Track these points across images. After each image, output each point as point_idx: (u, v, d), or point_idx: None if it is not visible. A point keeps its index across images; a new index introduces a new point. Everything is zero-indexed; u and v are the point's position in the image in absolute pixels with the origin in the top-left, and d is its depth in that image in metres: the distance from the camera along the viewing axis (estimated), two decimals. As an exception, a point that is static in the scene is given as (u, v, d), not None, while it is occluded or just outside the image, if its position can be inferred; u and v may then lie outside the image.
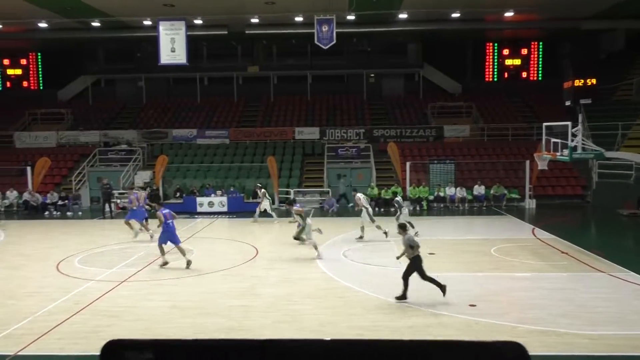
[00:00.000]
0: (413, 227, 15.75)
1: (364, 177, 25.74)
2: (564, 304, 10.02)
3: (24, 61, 34.62)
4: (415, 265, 10.00)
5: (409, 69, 33.20)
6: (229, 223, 20.86)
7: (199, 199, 23.19)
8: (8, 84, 34.81)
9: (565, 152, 16.29)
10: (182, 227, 19.27)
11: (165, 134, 29.22)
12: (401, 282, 10.30)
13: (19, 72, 34.77)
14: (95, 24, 26.09)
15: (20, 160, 27.50)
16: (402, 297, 10.16)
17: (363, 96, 33.00)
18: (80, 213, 23.58)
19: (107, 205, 22.38)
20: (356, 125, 29.82)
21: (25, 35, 28.61)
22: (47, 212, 23.28)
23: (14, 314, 9.85)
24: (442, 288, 10.08)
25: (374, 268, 13.04)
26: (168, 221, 13.44)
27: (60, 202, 23.49)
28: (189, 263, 13.11)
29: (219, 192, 23.64)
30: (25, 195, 23.99)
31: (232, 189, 24.01)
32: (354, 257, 14.22)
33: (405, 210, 17.15)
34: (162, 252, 13.42)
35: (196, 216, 22.09)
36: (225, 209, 22.89)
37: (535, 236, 16.96)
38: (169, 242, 13.42)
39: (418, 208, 23.36)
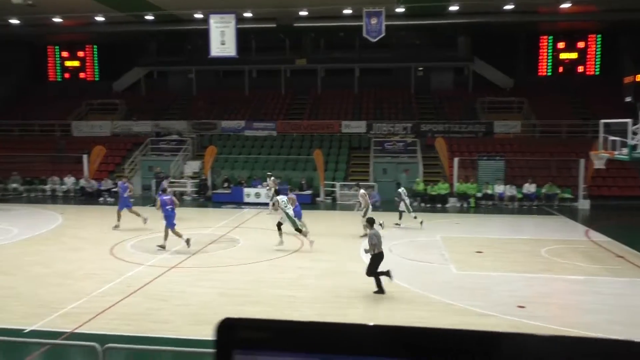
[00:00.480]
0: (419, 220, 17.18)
1: (410, 172, 25.43)
2: (619, 310, 9.58)
3: (81, 53, 35.97)
4: (378, 261, 10.18)
5: (458, 62, 32.48)
6: (275, 214, 21.03)
7: (246, 190, 23.53)
8: (67, 75, 36.27)
9: (625, 150, 15.54)
10: (229, 216, 19.64)
11: (214, 125, 29.77)
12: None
13: (76, 64, 36.19)
14: (149, 17, 26.78)
15: (77, 148, 28.62)
16: (380, 291, 10.23)
17: (411, 90, 32.55)
18: (132, 200, 24.29)
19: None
20: (403, 119, 29.45)
21: (83, 28, 29.71)
22: (101, 198, 24.17)
23: (72, 293, 10.33)
24: (388, 273, 10.20)
25: (421, 264, 12.87)
26: (167, 207, 14.07)
27: (113, 189, 24.30)
28: (188, 242, 13.88)
29: (265, 184, 23.88)
30: (82, 182, 24.99)
31: (278, 181, 24.18)
32: (400, 252, 14.07)
33: (402, 205, 17.63)
34: (179, 234, 14.04)
35: (243, 206, 22.43)
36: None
37: (589, 238, 16.31)
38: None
39: (465, 205, 22.87)
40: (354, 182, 25.21)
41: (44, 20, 26.18)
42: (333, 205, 23.47)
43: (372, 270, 10.17)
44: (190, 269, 12.27)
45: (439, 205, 22.71)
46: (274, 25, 28.29)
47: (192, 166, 26.81)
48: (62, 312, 9.25)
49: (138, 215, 17.07)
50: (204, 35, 24.35)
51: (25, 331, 8.27)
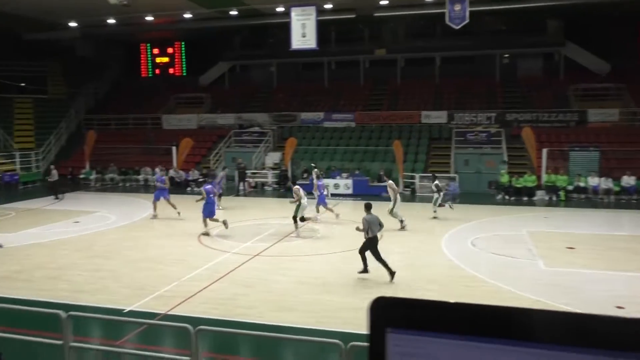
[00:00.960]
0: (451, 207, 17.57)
1: (494, 164, 24.52)
2: None
3: (170, 50, 37.88)
4: (368, 244, 10.60)
5: (548, 47, 30.72)
6: (353, 205, 21.13)
7: (325, 181, 23.66)
8: (157, 71, 38.36)
9: None
10: (308, 207, 19.88)
11: (294, 117, 30.28)
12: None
13: (166, 60, 38.18)
14: (233, 12, 27.64)
15: (166, 140, 30.26)
16: (364, 270, 10.73)
17: (495, 78, 31.26)
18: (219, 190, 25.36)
19: (241, 184, 23.86)
20: (487, 108, 28.38)
21: (172, 26, 31.20)
22: (189, 188, 25.41)
23: (163, 277, 11.00)
24: (391, 274, 10.47)
25: (505, 259, 12.42)
26: (210, 195, 15.37)
27: (200, 179, 25.47)
28: (225, 222, 15.11)
29: (344, 175, 24.01)
30: (171, 172, 26.38)
31: (357, 172, 24.24)
32: (483, 246, 13.65)
33: (436, 196, 17.44)
34: (206, 224, 15.18)
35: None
36: (350, 191, 23.22)
37: (697, 235, 14.93)
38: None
39: (554, 198, 21.70)
40: (433, 173, 24.73)
41: (137, 19, 27.79)
42: (412, 197, 23.15)
43: (362, 250, 10.72)
44: (272, 257, 12.64)
45: (525, 198, 21.72)
46: (354, 16, 28.20)
47: (273, 157, 27.44)
48: (156, 294, 9.88)
49: (174, 207, 17.65)
50: (285, 28, 24.79)
51: (125, 311, 8.93)
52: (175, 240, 14.54)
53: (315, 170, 21.03)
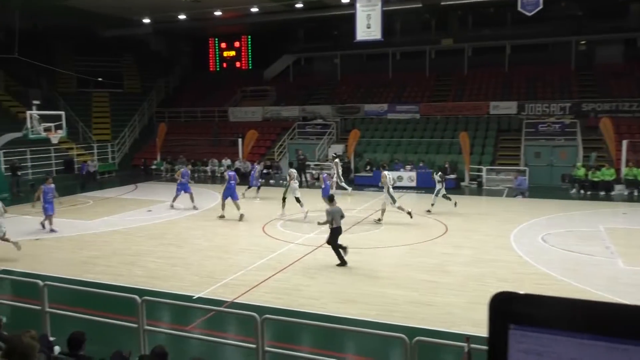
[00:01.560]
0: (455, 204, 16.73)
1: (567, 156, 23.33)
2: None
3: (237, 44, 38.73)
4: (332, 234, 11.00)
5: (630, 33, 28.74)
6: (417, 198, 20.82)
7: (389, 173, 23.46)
8: (224, 65, 39.36)
9: None
10: (372, 199, 19.83)
11: (357, 109, 30.16)
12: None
13: (232, 54, 39.08)
14: (299, 5, 27.80)
15: (233, 132, 31.04)
16: (342, 264, 10.98)
17: (570, 66, 29.66)
18: (281, 181, 25.75)
19: (302, 175, 24.07)
20: (560, 98, 27.01)
21: (239, 20, 31.81)
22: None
23: (230, 266, 11.33)
24: (343, 262, 10.93)
25: (579, 256, 11.82)
26: (231, 182, 16.39)
27: (264, 171, 25.96)
28: (241, 216, 15.83)
29: (407, 167, 23.69)
30: (237, 164, 27.04)
31: (421, 164, 23.84)
32: (555, 242, 13.06)
33: (439, 186, 16.86)
34: (223, 206, 16.30)
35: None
36: (414, 183, 22.88)
37: None
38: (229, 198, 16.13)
39: (635, 193, 20.38)
40: (501, 166, 23.90)
41: (206, 14, 28.55)
42: (479, 191, 22.50)
43: (331, 242, 11.06)
44: (335, 249, 12.66)
45: (603, 193, 20.55)
46: (420, 5, 27.59)
47: (336, 149, 27.44)
48: (223, 282, 10.19)
49: (238, 208, 17.60)
50: (350, 20, 24.63)
51: (194, 298, 9.28)
52: (240, 230, 14.93)
53: (336, 160, 21.05)
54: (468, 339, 5.42)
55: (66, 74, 30.99)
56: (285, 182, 16.41)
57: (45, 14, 26.79)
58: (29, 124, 19.29)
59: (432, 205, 16.98)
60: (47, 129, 19.83)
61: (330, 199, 11.69)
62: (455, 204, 16.93)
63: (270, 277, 10.43)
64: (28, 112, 19.55)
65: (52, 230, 14.55)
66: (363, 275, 10.54)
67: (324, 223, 11.23)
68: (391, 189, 15.65)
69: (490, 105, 27.61)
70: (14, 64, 26.45)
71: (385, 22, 24.15)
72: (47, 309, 6.84)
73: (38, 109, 19.74)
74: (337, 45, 33.35)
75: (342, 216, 11.25)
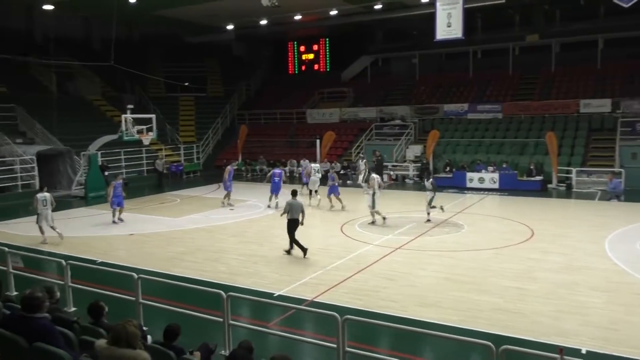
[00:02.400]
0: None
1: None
2: None
3: (315, 47, 39.19)
4: (288, 226, 12.00)
5: None
6: (500, 200, 20.04)
7: (468, 174, 22.85)
8: (303, 68, 39.97)
9: None
10: (451, 201, 19.29)
11: (436, 109, 29.51)
12: None
13: (311, 56, 39.60)
14: (378, 6, 27.61)
15: (311, 134, 31.41)
16: (288, 252, 12.10)
17: (673, 60, 27.28)
18: (360, 184, 25.64)
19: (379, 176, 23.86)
20: (662, 95, 24.90)
21: (318, 23, 32.18)
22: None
23: (309, 265, 11.42)
24: (304, 252, 11.85)
25: (684, 266, 10.78)
26: (275, 178, 18.48)
27: (342, 172, 26.02)
28: (276, 204, 17.52)
29: (490, 168, 22.86)
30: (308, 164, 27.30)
31: (504, 166, 22.90)
32: (656, 250, 12.01)
33: (431, 194, 15.85)
34: (270, 199, 18.31)
35: (465, 191, 21.83)
36: (496, 185, 22.03)
37: None
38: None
39: None
40: (593, 167, 22.41)
41: (286, 19, 29.09)
42: (567, 194, 21.23)
43: (288, 231, 11.98)
44: (415, 251, 12.44)
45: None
46: (503, 1, 26.49)
47: (414, 150, 27.06)
48: (303, 281, 10.27)
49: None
50: (429, 19, 24.10)
51: (275, 295, 9.43)
52: (320, 230, 15.04)
53: (365, 160, 20.53)
54: (562, 350, 5.09)
55: (156, 79, 32.77)
56: (365, 189, 16.30)
57: (138, 23, 28.50)
58: (123, 127, 20.55)
59: (429, 214, 15.88)
60: (139, 131, 21.03)
61: (293, 193, 12.60)
62: (442, 208, 16.24)
63: (349, 278, 10.39)
64: (123, 116, 20.82)
65: (120, 220, 16.28)
66: (444, 279, 10.24)
67: (282, 213, 12.34)
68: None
69: (580, 104, 26.01)
70: (109, 72, 28.39)
71: (466, 19, 23.40)
72: (141, 300, 7.21)
73: (131, 113, 20.99)
74: (416, 45, 32.84)
75: (302, 212, 12.02)
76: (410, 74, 34.03)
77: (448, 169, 23.98)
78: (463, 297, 9.21)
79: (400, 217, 16.70)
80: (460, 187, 22.43)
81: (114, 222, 16.23)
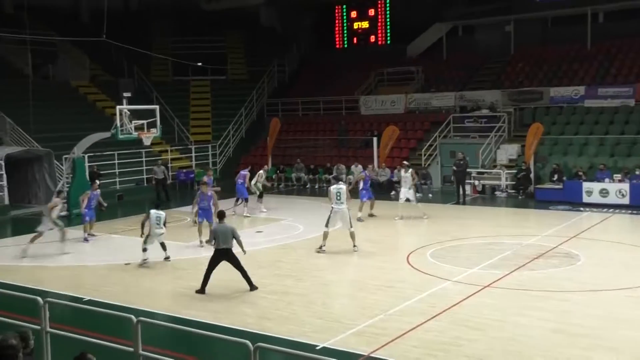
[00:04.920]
0: None
1: None
2: None
3: (371, 11, 39.22)
4: (213, 255, 12.44)
5: None
6: (631, 221, 19.59)
7: (586, 185, 22.35)
8: (354, 41, 40.05)
9: None
10: (562, 222, 18.90)
11: (539, 95, 28.99)
12: None
13: (365, 25, 39.64)
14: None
15: (365, 129, 31.37)
16: (201, 290, 12.46)
17: None
18: (430, 195, 25.51)
19: (460, 187, 23.60)
20: None
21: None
22: (393, 192, 25.92)
23: (364, 308, 11.40)
24: (201, 290, 12.40)
25: None
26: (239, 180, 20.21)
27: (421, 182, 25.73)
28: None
29: (617, 177, 22.33)
30: (370, 170, 27.24)
31: (637, 173, 22.31)
32: None
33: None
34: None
35: (582, 208, 21.36)
36: (626, 200, 21.49)
37: None
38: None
39: None
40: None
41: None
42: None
43: (209, 263, 12.46)
44: (510, 290, 12.26)
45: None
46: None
47: (508, 151, 26.70)
48: (356, 329, 10.24)
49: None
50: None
51: (318, 348, 9.41)
52: (379, 260, 15.00)
53: (412, 170, 21.24)
54: None
55: (161, 59, 33.55)
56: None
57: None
58: (118, 122, 21.10)
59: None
60: (138, 128, 21.53)
61: (219, 216, 13.04)
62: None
63: (419, 326, 10.31)
64: (118, 107, 21.41)
65: (91, 236, 17.87)
66: (553, 331, 10.01)
67: (208, 242, 12.86)
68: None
69: None
70: (101, 50, 29.32)
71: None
72: (141, 352, 7.32)
73: (129, 103, 21.52)
74: (510, 7, 32.46)
75: (235, 236, 12.39)
76: (503, 47, 33.67)
77: (556, 177, 23.57)
78: (581, 356, 9.02)
79: (488, 243, 16.47)
80: (574, 202, 22.03)
81: (85, 239, 17.61)
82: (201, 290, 12.37)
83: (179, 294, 12.56)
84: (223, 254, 12.35)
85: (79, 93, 32.16)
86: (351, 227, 15.91)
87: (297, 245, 16.86)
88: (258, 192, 22.21)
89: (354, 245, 15.82)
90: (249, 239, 17.73)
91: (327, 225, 15.95)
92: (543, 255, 14.93)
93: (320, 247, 15.84)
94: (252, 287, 12.39)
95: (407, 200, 20.36)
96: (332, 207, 16.05)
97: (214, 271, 12.47)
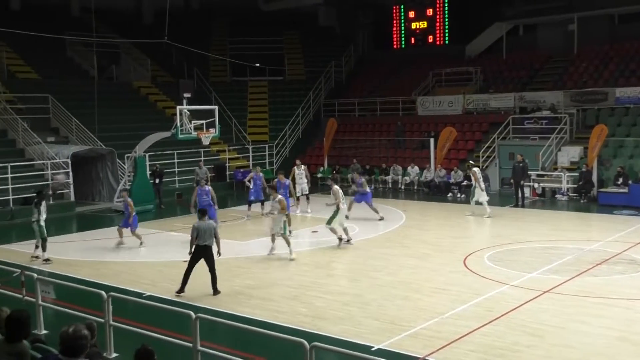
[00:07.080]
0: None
1: None
2: None
3: (430, 11, 38.90)
4: (193, 253, 12.55)
5: None
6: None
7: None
8: (412, 41, 39.80)
9: None
10: (627, 227, 18.38)
11: (604, 95, 28.22)
12: None
13: (424, 25, 39.31)
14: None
15: (422, 130, 31.15)
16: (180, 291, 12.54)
17: None
18: (488, 198, 25.09)
19: (519, 191, 23.17)
20: None
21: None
22: (450, 194, 25.70)
23: (420, 310, 11.36)
24: (181, 289, 12.50)
25: None
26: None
27: (464, 183, 25.55)
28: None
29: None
30: (427, 172, 27.07)
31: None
32: None
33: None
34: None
35: (648, 215, 20.72)
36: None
37: None
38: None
39: None
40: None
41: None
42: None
43: (188, 267, 12.52)
44: (572, 296, 11.99)
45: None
46: None
47: (570, 153, 26.17)
48: (411, 332, 10.21)
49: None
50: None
51: (373, 349, 9.43)
52: (435, 263, 14.89)
53: (474, 169, 21.22)
54: None
55: (220, 60, 34.12)
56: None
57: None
58: (178, 122, 21.52)
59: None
60: (197, 128, 21.93)
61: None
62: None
63: (475, 330, 10.21)
64: (178, 107, 21.83)
65: (121, 244, 17.25)
66: (618, 340, 9.79)
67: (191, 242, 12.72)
68: (344, 210, 17.02)
69: None
70: (162, 52, 29.99)
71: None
72: (199, 348, 7.49)
73: (188, 104, 21.96)
74: (573, 5, 31.72)
75: (215, 235, 12.54)
76: (566, 47, 32.97)
77: (621, 180, 22.93)
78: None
79: (548, 247, 16.18)
80: (639, 206, 21.30)
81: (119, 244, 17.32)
82: (181, 290, 12.46)
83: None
84: (202, 251, 12.44)
85: (140, 94, 32.94)
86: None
87: (354, 246, 16.83)
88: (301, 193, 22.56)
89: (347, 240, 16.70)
90: (304, 238, 17.96)
91: (338, 224, 16.66)
92: (606, 262, 14.51)
93: (348, 241, 16.50)
94: (216, 292, 12.47)
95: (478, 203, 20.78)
96: (340, 207, 16.81)
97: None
